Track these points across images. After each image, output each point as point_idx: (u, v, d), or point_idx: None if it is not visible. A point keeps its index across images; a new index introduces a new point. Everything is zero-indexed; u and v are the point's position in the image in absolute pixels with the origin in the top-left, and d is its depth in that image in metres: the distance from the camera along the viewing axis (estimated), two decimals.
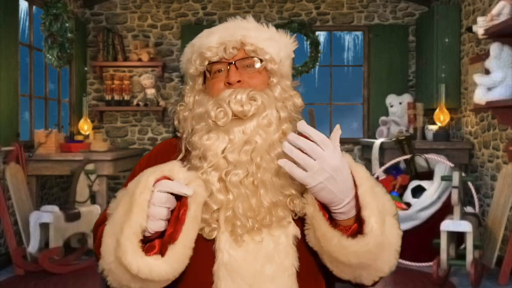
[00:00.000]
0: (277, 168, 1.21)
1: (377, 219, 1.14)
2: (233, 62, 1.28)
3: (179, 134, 1.34)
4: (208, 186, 1.20)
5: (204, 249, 1.20)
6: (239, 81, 1.27)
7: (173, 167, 1.19)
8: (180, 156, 1.30)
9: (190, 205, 1.15)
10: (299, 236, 1.22)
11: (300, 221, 1.22)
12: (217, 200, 1.20)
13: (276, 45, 1.32)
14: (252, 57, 1.29)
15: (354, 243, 1.14)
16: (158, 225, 1.15)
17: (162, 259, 1.13)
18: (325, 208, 1.18)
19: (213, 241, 1.21)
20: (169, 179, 1.17)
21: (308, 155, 1.10)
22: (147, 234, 1.15)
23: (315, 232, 1.17)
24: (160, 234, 1.18)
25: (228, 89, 1.26)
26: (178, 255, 1.14)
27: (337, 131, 1.14)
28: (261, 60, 1.29)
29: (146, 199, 1.13)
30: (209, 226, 1.21)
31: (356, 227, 1.17)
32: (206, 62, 1.30)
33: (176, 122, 1.34)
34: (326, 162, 1.10)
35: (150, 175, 1.17)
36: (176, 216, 1.16)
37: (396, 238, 1.19)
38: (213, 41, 1.30)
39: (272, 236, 1.21)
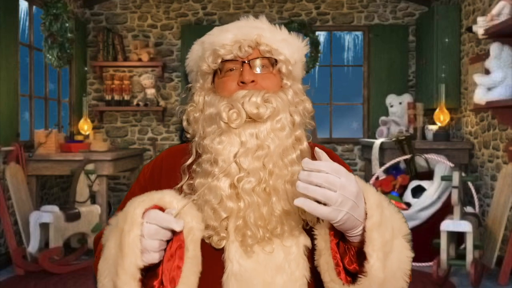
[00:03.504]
0: (290, 175, 1.18)
1: (379, 255, 1.07)
2: (248, 61, 1.24)
3: (188, 136, 1.29)
4: (218, 192, 1.17)
5: (213, 258, 1.16)
6: (253, 81, 1.22)
7: (164, 195, 1.11)
8: (191, 159, 1.25)
9: (188, 245, 1.08)
10: (310, 246, 1.18)
11: (312, 230, 1.17)
12: (227, 208, 1.16)
13: (290, 47, 1.28)
14: (267, 57, 1.25)
15: None
16: (151, 258, 1.07)
17: None
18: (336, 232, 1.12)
19: (222, 250, 1.18)
20: (161, 208, 1.09)
21: (327, 188, 1.02)
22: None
23: (320, 271, 1.13)
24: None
25: (241, 89, 1.22)
26: None
27: (322, 154, 1.07)
28: (276, 61, 1.26)
29: (136, 235, 1.05)
30: (218, 235, 1.17)
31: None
32: (219, 60, 1.25)
33: (185, 123, 1.29)
34: (347, 190, 1.03)
35: (138, 206, 1.09)
36: (175, 248, 1.09)
37: (405, 262, 1.13)
38: (227, 38, 1.25)
39: (283, 246, 1.17)
